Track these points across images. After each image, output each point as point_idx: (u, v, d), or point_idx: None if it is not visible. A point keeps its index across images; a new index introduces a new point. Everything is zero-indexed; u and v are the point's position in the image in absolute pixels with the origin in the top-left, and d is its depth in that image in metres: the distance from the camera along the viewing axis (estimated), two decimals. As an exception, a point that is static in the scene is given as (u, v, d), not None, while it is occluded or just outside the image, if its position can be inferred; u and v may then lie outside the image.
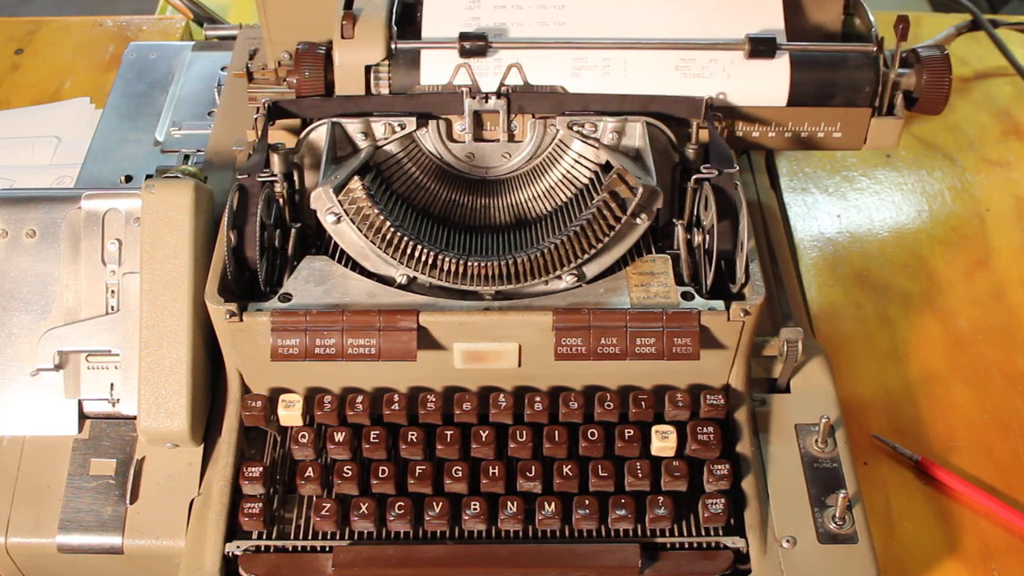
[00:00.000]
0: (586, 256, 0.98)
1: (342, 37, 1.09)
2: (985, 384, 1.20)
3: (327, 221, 1.00)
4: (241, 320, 0.95)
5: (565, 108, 1.08)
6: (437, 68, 1.10)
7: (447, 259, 0.97)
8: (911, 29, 1.07)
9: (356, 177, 1.01)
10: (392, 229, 0.98)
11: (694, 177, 1.02)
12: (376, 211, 0.99)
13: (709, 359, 0.98)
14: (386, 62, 1.10)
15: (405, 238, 0.98)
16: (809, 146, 1.14)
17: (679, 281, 0.99)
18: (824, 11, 1.17)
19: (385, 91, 1.10)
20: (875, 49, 1.11)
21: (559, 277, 0.98)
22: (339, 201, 0.99)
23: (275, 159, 1.03)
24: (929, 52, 1.12)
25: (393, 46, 1.10)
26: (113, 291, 1.03)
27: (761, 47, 1.09)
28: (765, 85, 1.10)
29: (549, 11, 1.13)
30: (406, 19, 1.14)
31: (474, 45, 1.08)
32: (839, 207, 1.40)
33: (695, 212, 1.05)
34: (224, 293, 0.96)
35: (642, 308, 0.96)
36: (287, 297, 0.97)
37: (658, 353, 0.94)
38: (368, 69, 1.10)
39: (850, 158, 1.47)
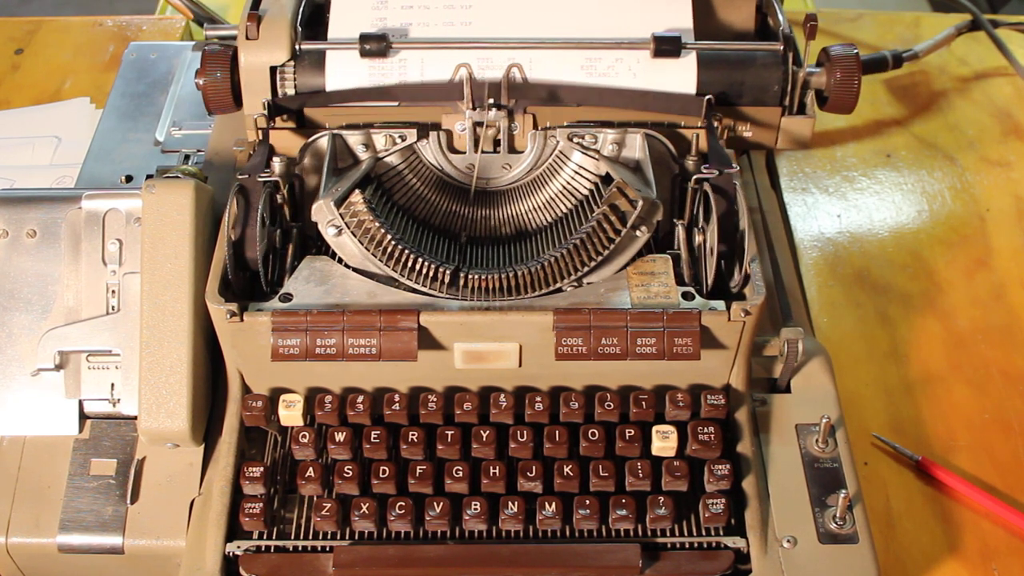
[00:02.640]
0: (586, 269, 0.98)
1: (247, 38, 1.09)
2: (985, 384, 1.20)
3: (328, 233, 1.00)
4: (242, 320, 0.95)
5: (565, 102, 1.07)
6: (342, 69, 1.10)
7: (447, 272, 0.97)
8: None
9: (357, 190, 1.01)
10: (393, 242, 0.98)
11: (694, 177, 1.02)
12: (377, 224, 0.99)
13: (709, 359, 0.98)
14: (291, 63, 1.10)
15: (406, 251, 0.98)
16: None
17: (679, 281, 0.99)
18: (736, 11, 1.17)
19: (291, 92, 1.10)
20: (782, 48, 1.10)
21: (559, 289, 0.98)
22: (340, 214, 0.99)
23: (276, 166, 1.03)
24: (840, 51, 1.12)
25: (297, 47, 1.10)
26: (114, 291, 1.03)
27: (666, 46, 1.09)
28: (672, 84, 1.09)
29: (456, 11, 1.13)
30: (316, 20, 1.14)
31: (375, 46, 1.08)
32: (839, 207, 1.40)
33: (695, 212, 1.05)
34: (224, 293, 0.96)
35: (643, 308, 0.96)
36: (287, 297, 0.97)
37: (659, 353, 0.94)
38: (273, 70, 1.10)
39: (850, 158, 1.47)
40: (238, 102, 1.12)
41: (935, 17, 1.73)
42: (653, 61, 1.09)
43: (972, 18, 1.58)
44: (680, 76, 1.09)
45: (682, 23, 1.12)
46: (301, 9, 1.13)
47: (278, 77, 1.10)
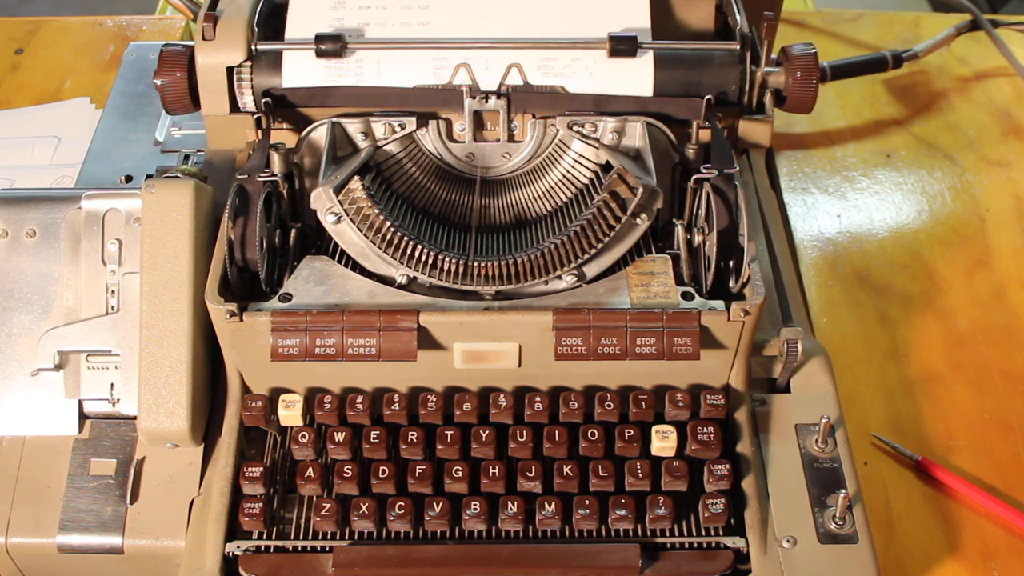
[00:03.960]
0: (586, 256, 0.98)
1: (203, 39, 1.09)
2: (985, 384, 1.20)
3: (327, 221, 1.00)
4: (241, 320, 0.95)
5: (565, 108, 1.08)
6: (299, 69, 1.10)
7: (447, 259, 0.97)
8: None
9: (356, 177, 1.01)
10: (392, 229, 0.98)
11: (694, 177, 1.02)
12: (376, 211, 0.99)
13: (709, 359, 0.98)
14: (248, 63, 1.10)
15: (405, 238, 0.98)
16: None
17: (679, 281, 0.99)
18: (695, 10, 1.17)
19: (248, 93, 1.10)
20: (739, 47, 1.10)
21: (559, 277, 0.98)
22: (339, 201, 0.99)
23: (275, 159, 1.03)
24: (798, 50, 1.12)
25: (254, 47, 1.10)
26: (113, 291, 1.03)
27: (622, 46, 1.08)
28: (629, 84, 1.09)
29: (413, 11, 1.13)
30: (275, 20, 1.14)
31: (330, 46, 1.09)
32: (839, 207, 1.40)
33: (695, 212, 1.05)
34: (224, 293, 0.96)
35: (642, 308, 0.96)
36: (287, 297, 0.97)
37: (658, 353, 0.94)
38: (230, 70, 1.10)
39: (850, 158, 1.47)
40: (196, 103, 1.12)
41: (935, 17, 1.74)
42: (610, 61, 1.09)
43: (972, 18, 1.58)
44: (637, 76, 1.09)
45: (640, 23, 1.12)
46: (259, 9, 1.13)
47: (235, 78, 1.10)
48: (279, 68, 1.10)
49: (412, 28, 1.12)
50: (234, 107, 1.12)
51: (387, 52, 1.10)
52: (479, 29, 1.12)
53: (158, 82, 1.11)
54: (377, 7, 1.13)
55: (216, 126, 1.13)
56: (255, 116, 1.08)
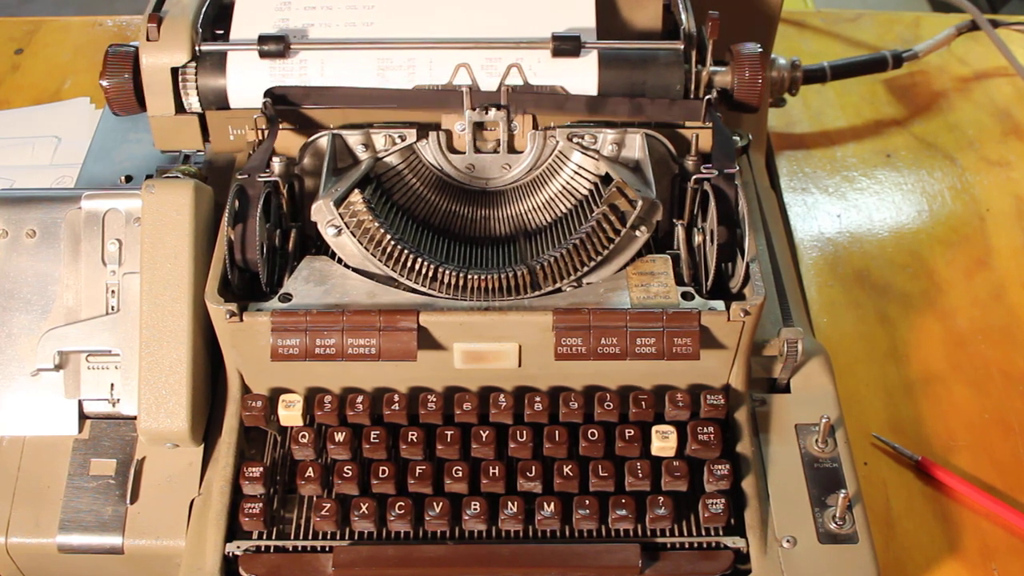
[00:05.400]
0: (585, 269, 0.98)
1: (148, 39, 1.09)
2: (985, 384, 1.20)
3: (328, 233, 1.00)
4: (241, 320, 0.95)
5: (565, 109, 1.08)
6: (243, 70, 1.10)
7: (447, 272, 0.97)
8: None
9: (356, 190, 1.01)
10: (392, 242, 0.98)
11: (694, 177, 1.02)
12: (376, 224, 0.99)
13: (709, 359, 0.98)
14: (192, 64, 1.10)
15: (405, 251, 0.98)
16: None
17: (679, 281, 0.99)
18: (642, 9, 1.16)
19: (193, 94, 1.10)
20: (683, 46, 1.10)
21: (558, 289, 0.98)
22: (340, 214, 0.99)
23: (275, 166, 1.03)
24: (744, 49, 1.11)
25: (198, 48, 1.10)
26: (113, 291, 1.03)
27: (566, 45, 1.08)
28: (572, 84, 1.09)
29: (358, 11, 1.13)
30: (223, 20, 1.14)
31: (273, 47, 1.09)
32: (839, 207, 1.40)
33: (695, 212, 1.05)
34: (224, 293, 0.96)
35: (642, 308, 0.96)
36: (287, 297, 0.97)
37: (658, 353, 0.94)
38: (175, 71, 1.10)
39: (850, 158, 1.47)
40: (142, 104, 1.12)
41: (935, 17, 1.74)
42: (553, 60, 1.09)
43: (972, 18, 1.58)
44: (580, 75, 1.09)
45: (585, 22, 1.12)
46: (204, 10, 1.13)
47: (180, 78, 1.10)
48: (223, 69, 1.10)
49: (357, 28, 1.12)
50: (180, 108, 1.12)
51: (331, 52, 1.10)
52: (424, 29, 1.11)
53: (104, 83, 1.11)
54: (322, 7, 1.13)
55: (162, 127, 1.13)
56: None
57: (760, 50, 1.11)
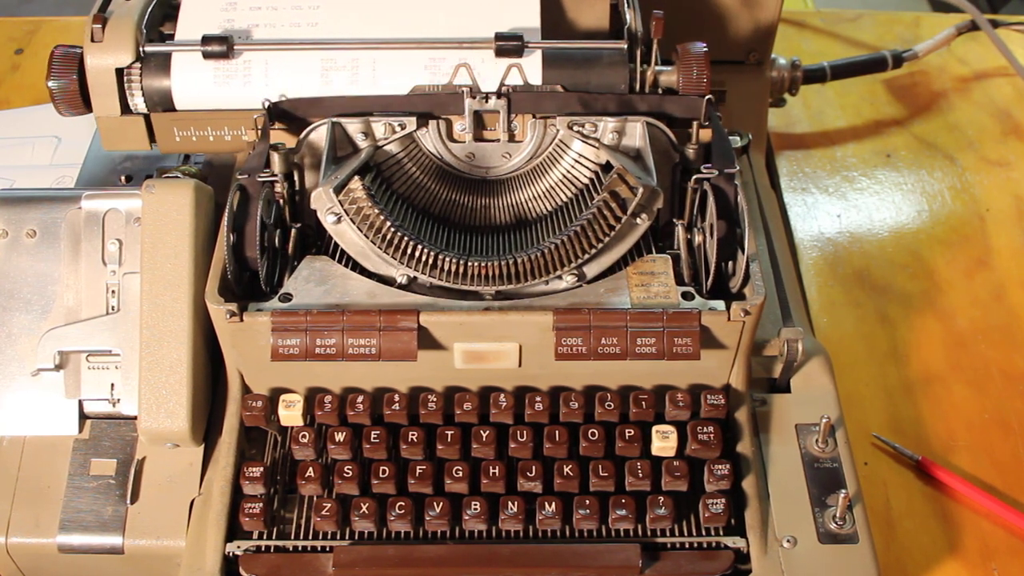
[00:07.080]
0: (586, 256, 0.98)
1: (92, 40, 1.09)
2: (985, 384, 1.20)
3: (327, 221, 1.00)
4: (241, 320, 0.95)
5: (566, 108, 1.08)
6: (187, 71, 1.10)
7: (447, 259, 0.97)
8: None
9: (356, 177, 1.01)
10: (392, 229, 0.98)
11: (694, 177, 1.02)
12: (376, 211, 0.99)
13: (709, 359, 0.98)
14: (137, 65, 1.10)
15: (405, 238, 0.98)
16: None
17: (679, 281, 0.99)
18: (589, 9, 1.16)
19: (138, 95, 1.10)
20: (626, 46, 1.10)
21: (559, 277, 0.98)
22: (339, 201, 0.99)
23: (275, 159, 1.03)
24: (689, 48, 1.11)
25: (142, 49, 1.10)
26: (113, 291, 1.03)
27: (508, 45, 1.08)
28: (517, 84, 1.09)
29: (304, 12, 1.13)
30: (172, 21, 1.14)
31: (216, 47, 1.08)
32: (839, 207, 1.40)
33: (695, 212, 1.05)
34: (224, 293, 0.96)
35: (642, 308, 0.96)
36: (287, 297, 0.97)
37: (658, 353, 0.94)
38: (120, 72, 1.10)
39: (850, 158, 1.47)
40: (88, 104, 1.12)
41: (935, 17, 1.74)
42: (497, 60, 1.09)
43: (972, 18, 1.58)
44: (525, 75, 1.09)
45: (529, 22, 1.12)
46: (151, 10, 1.13)
47: (125, 79, 1.10)
48: (168, 70, 1.10)
49: (301, 29, 1.12)
50: (126, 109, 1.11)
51: (275, 53, 1.10)
52: (368, 30, 1.11)
53: (50, 84, 1.11)
54: (268, 8, 1.13)
55: (109, 127, 1.13)
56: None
57: (705, 48, 1.11)
